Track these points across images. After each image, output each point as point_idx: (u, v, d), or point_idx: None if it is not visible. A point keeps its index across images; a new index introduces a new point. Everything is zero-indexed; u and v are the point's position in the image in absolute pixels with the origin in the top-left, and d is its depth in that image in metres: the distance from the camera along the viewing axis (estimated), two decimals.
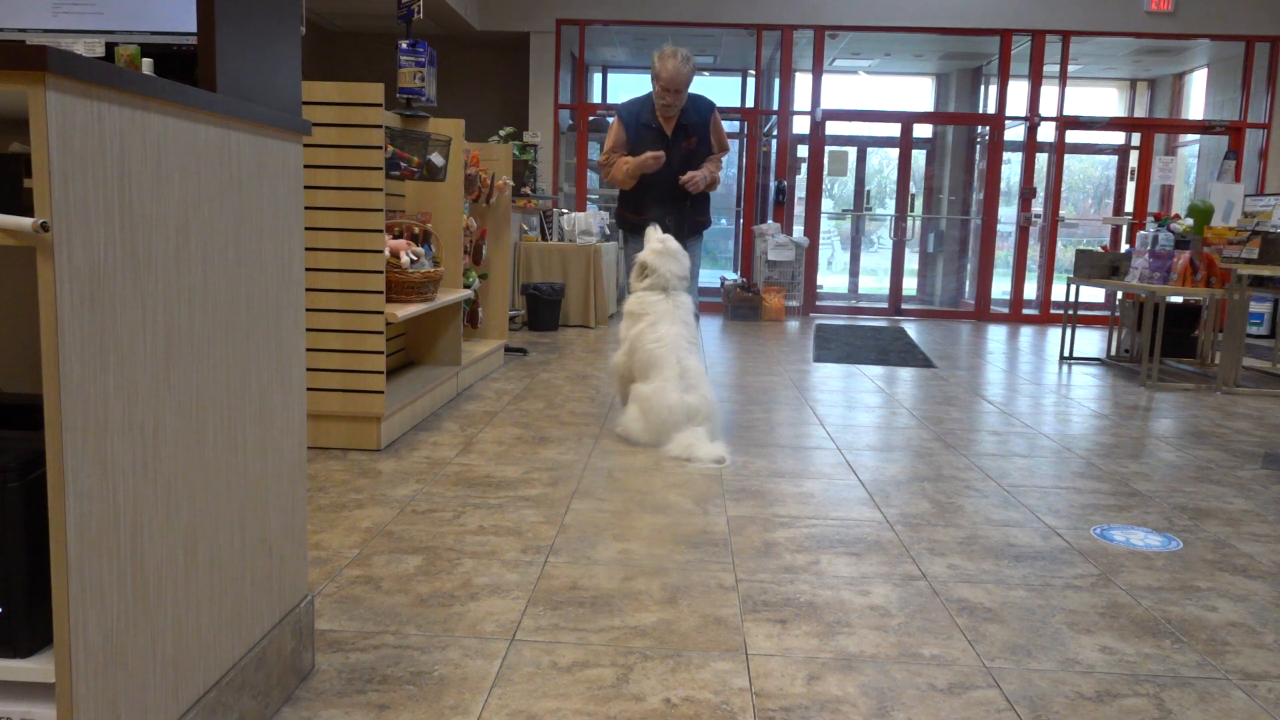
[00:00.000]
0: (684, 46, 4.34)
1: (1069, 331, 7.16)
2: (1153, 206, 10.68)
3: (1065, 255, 10.84)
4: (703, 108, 4.45)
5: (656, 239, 4.15)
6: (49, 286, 1.06)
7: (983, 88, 12.29)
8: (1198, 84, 11.72)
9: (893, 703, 1.80)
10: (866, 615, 2.21)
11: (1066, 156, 10.96)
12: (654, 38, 11.02)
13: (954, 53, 11.59)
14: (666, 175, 4.41)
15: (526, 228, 8.74)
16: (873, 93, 13.69)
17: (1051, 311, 10.68)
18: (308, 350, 3.53)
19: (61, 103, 1.06)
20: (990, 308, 10.81)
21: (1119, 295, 7.29)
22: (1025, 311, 10.76)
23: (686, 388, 3.80)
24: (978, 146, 11.79)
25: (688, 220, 4.52)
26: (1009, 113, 10.49)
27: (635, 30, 10.66)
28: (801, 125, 10.91)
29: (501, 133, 8.51)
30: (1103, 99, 13.19)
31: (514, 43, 10.76)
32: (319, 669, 1.86)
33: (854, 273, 12.60)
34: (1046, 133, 10.48)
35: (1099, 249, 8.78)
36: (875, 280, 13.02)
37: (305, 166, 3.49)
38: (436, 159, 4.26)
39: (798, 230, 10.89)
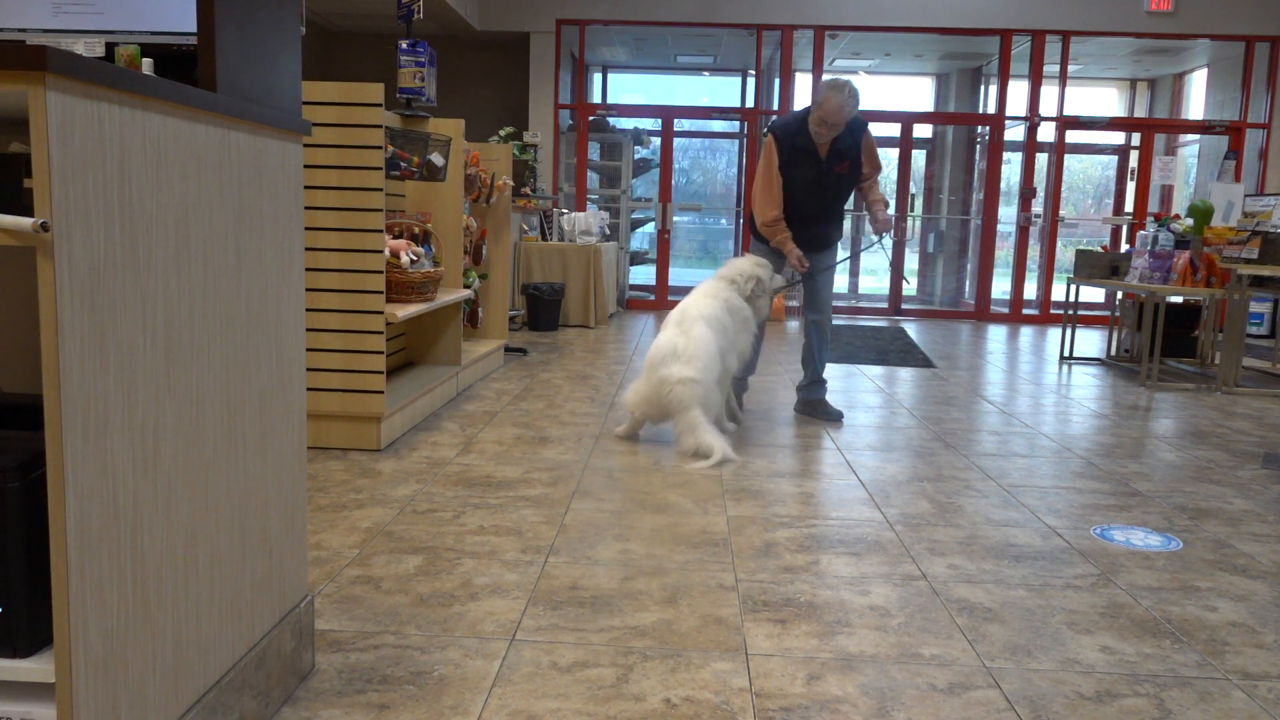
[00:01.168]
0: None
1: (1069, 331, 7.15)
2: (1153, 206, 10.68)
3: (1065, 255, 10.83)
4: (855, 129, 4.38)
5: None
6: (49, 286, 1.06)
7: (983, 88, 12.29)
8: (1198, 84, 11.72)
9: (893, 703, 1.80)
10: (866, 615, 2.21)
11: (1066, 156, 10.96)
12: (654, 38, 11.02)
13: (954, 53, 11.59)
14: (819, 197, 4.39)
15: (526, 228, 8.74)
16: (873, 93, 13.69)
17: (1051, 311, 10.68)
18: (308, 350, 3.54)
19: (61, 103, 1.06)
20: (990, 308, 10.81)
21: (1119, 295, 7.29)
22: (1025, 311, 10.75)
23: (680, 332, 3.88)
24: (978, 146, 11.79)
25: (824, 236, 4.52)
26: (1009, 113, 10.48)
27: (635, 30, 10.66)
28: None
29: (501, 133, 8.51)
30: (1103, 99, 13.19)
31: (514, 43, 10.76)
32: (319, 669, 1.86)
33: (854, 272, 12.61)
34: (1046, 133, 10.48)
35: (1099, 249, 8.77)
36: (875, 280, 13.02)
37: (305, 166, 3.50)
38: (436, 159, 4.26)
39: None
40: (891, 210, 4.48)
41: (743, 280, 4.15)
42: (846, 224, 12.57)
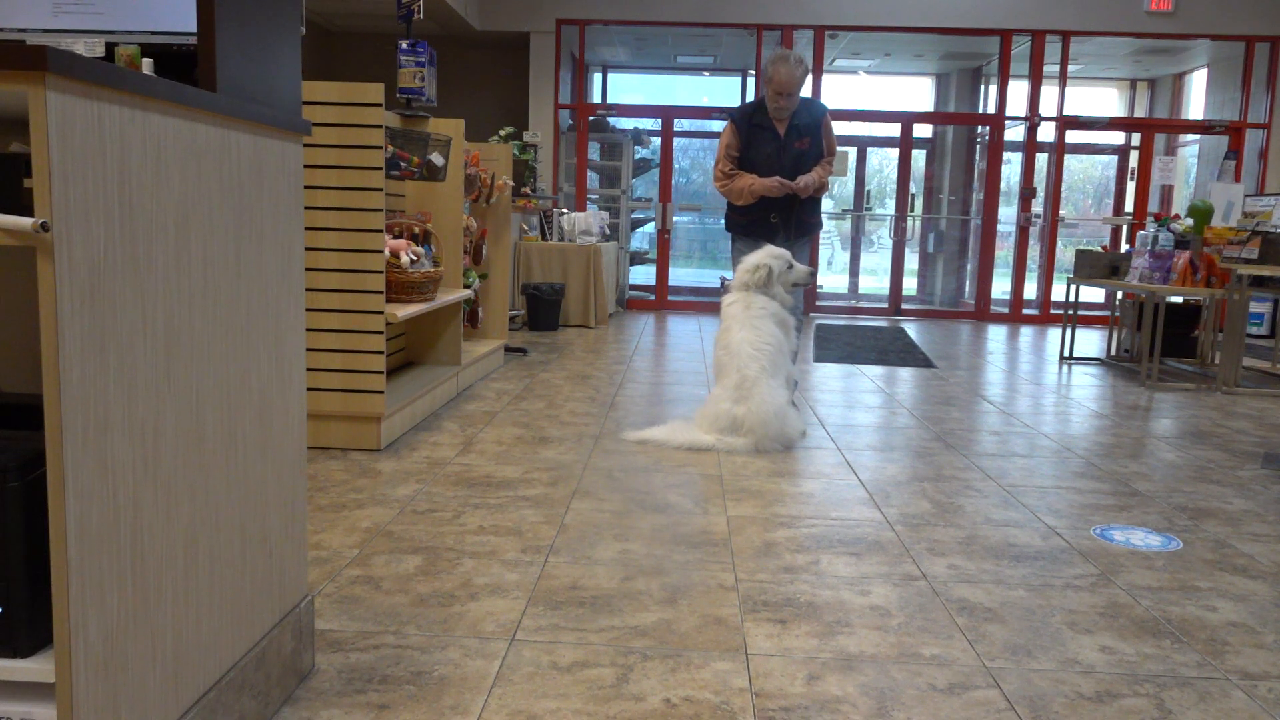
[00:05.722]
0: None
1: (1069, 331, 7.16)
2: (1153, 206, 10.68)
3: (1065, 255, 10.83)
4: (815, 110, 4.49)
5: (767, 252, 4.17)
6: (49, 286, 1.06)
7: (983, 88, 12.28)
8: (1198, 84, 11.72)
9: (893, 703, 1.80)
10: (866, 615, 2.21)
11: (1066, 156, 10.96)
12: (654, 38, 11.01)
13: (954, 53, 11.58)
14: (780, 173, 4.43)
15: (526, 228, 8.74)
16: (873, 93, 13.68)
17: (1051, 311, 10.68)
18: (308, 350, 3.54)
19: (61, 103, 1.06)
20: (990, 308, 10.81)
21: (1119, 295, 7.29)
22: (1025, 311, 10.75)
23: (739, 398, 3.84)
24: (978, 146, 11.79)
25: (796, 221, 4.54)
26: (1009, 113, 10.48)
27: (635, 30, 10.66)
28: None
29: (501, 133, 8.51)
30: (1103, 99, 13.19)
31: (514, 43, 10.75)
32: (319, 669, 1.86)
33: (854, 273, 12.60)
34: (1046, 133, 10.48)
35: (1099, 249, 8.77)
36: (875, 280, 13.01)
37: (305, 166, 3.50)
38: (436, 159, 4.26)
39: None
40: (817, 178, 4.43)
41: (750, 274, 4.07)
42: (846, 224, 12.61)
